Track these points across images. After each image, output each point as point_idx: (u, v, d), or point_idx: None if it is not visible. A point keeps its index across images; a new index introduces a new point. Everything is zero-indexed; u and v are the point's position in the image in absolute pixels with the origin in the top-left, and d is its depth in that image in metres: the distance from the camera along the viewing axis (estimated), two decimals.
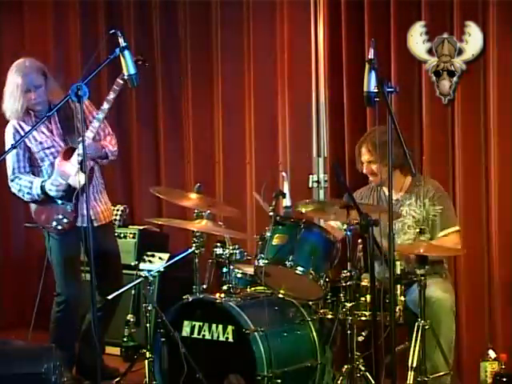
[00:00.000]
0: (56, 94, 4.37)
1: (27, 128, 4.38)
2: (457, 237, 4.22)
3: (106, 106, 4.32)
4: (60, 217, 4.37)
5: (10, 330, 5.54)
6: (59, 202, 4.38)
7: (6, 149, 4.39)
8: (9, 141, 4.42)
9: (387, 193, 3.66)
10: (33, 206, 4.50)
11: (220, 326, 3.92)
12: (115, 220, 5.42)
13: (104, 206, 4.54)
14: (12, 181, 4.46)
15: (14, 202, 5.91)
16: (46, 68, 4.44)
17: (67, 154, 4.37)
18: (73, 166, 4.32)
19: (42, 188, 4.38)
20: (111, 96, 4.31)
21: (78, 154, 4.28)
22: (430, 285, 3.96)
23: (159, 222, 4.92)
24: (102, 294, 4.28)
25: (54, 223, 4.37)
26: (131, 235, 5.30)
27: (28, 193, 4.42)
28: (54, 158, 4.40)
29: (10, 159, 4.44)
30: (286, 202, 4.09)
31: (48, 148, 4.42)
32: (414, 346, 3.77)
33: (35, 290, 5.82)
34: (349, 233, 3.83)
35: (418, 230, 3.95)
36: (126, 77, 3.76)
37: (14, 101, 4.34)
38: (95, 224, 4.43)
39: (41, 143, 4.42)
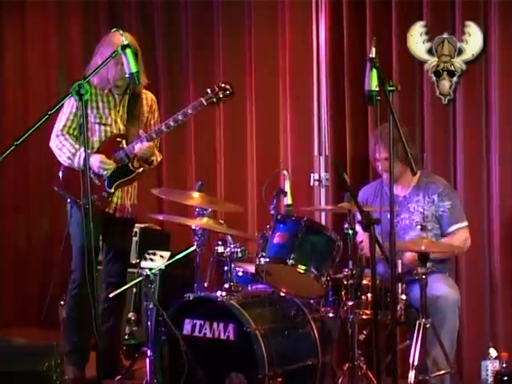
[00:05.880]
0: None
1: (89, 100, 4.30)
2: (466, 232, 4.24)
3: (180, 117, 4.24)
4: (93, 197, 4.22)
5: (11, 327, 5.55)
6: (97, 181, 4.33)
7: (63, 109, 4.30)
8: (69, 103, 4.31)
9: (395, 190, 3.67)
10: (64, 170, 4.40)
11: (221, 325, 3.90)
12: None
13: (131, 202, 4.49)
14: (57, 136, 4.35)
15: (14, 202, 5.98)
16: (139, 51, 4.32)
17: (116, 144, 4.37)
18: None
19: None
20: (189, 111, 4.24)
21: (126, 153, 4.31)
22: (434, 282, 3.96)
23: (160, 218, 4.90)
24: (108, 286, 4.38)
25: (84, 200, 4.30)
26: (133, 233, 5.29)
27: (69, 157, 4.32)
28: (105, 137, 4.36)
29: (65, 115, 4.34)
30: (287, 200, 4.09)
31: (104, 124, 4.37)
32: (416, 345, 3.77)
33: (36, 288, 5.87)
34: (350, 231, 3.84)
35: (419, 227, 3.95)
36: (127, 75, 3.76)
37: (108, 71, 4.26)
38: (117, 215, 4.41)
39: (101, 117, 4.36)
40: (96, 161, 4.30)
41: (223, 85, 4.28)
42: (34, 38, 5.95)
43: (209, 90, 4.26)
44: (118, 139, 4.38)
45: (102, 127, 4.38)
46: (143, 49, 5.48)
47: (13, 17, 5.98)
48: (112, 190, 4.36)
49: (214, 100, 4.26)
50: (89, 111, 4.35)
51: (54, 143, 4.39)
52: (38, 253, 5.96)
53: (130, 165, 4.37)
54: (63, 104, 3.87)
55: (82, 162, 4.24)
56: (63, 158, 4.36)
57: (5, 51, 5.98)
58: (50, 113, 4.03)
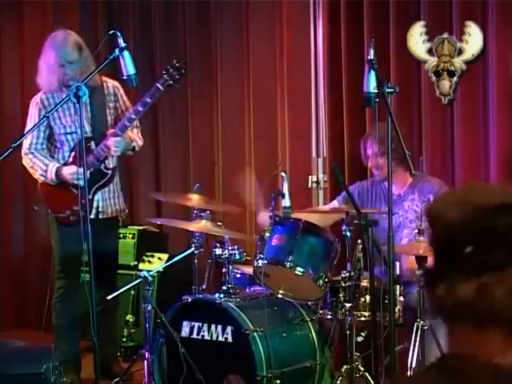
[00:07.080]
0: (87, 71, 4.21)
1: (54, 103, 4.25)
2: None
3: (140, 108, 4.20)
4: (75, 208, 4.24)
5: (10, 330, 5.55)
6: (75, 191, 4.30)
7: (28, 120, 4.35)
8: (33, 113, 4.33)
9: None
10: (40, 185, 4.42)
11: (219, 327, 3.91)
12: None
13: (116, 200, 4.50)
14: (26, 154, 4.38)
15: (13, 201, 5.97)
16: (83, 42, 4.30)
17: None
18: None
19: (57, 174, 4.30)
20: (148, 100, 4.19)
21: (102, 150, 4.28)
22: None
23: (159, 222, 4.90)
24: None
25: (68, 212, 4.32)
26: (130, 235, 5.28)
27: (42, 175, 4.35)
28: (74, 144, 4.33)
29: (28, 131, 4.28)
30: (285, 202, 4.09)
31: (71, 133, 4.34)
32: (414, 347, 3.76)
33: (35, 290, 5.86)
34: (348, 233, 3.84)
35: (416, 231, 3.94)
36: (125, 77, 3.76)
37: (49, 74, 4.27)
38: (101, 216, 4.41)
39: (64, 127, 4.35)
40: (67, 174, 4.29)
41: (177, 64, 4.19)
42: (31, 38, 5.93)
43: (164, 73, 4.17)
44: (87, 143, 4.33)
45: (69, 136, 4.36)
46: (142, 48, 5.52)
47: (10, 17, 5.96)
48: (90, 197, 4.32)
49: (171, 82, 4.18)
50: (52, 123, 4.33)
51: (25, 161, 4.41)
52: (38, 255, 5.95)
53: (102, 167, 4.36)
54: (60, 106, 3.87)
55: (54, 176, 4.30)
56: (36, 175, 4.39)
57: (2, 51, 5.97)
58: (47, 115, 4.05)
